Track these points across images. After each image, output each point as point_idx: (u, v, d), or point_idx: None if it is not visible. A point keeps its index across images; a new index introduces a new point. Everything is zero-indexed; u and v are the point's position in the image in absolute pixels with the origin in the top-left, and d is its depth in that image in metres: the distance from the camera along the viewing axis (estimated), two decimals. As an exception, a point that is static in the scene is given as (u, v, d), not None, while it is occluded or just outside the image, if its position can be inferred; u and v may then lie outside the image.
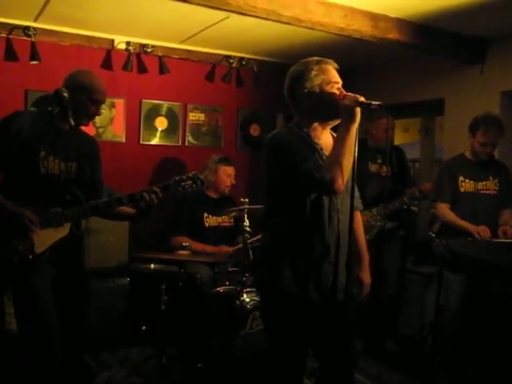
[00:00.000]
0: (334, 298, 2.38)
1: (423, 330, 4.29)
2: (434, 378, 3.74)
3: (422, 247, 4.54)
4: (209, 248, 4.23)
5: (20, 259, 2.69)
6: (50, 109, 2.80)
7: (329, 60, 2.45)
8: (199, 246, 4.20)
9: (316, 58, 2.44)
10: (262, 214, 2.59)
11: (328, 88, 2.36)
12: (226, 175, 4.40)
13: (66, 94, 2.67)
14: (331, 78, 2.39)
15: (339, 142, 2.22)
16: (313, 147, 2.38)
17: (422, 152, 5.43)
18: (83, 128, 3.02)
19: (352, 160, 2.20)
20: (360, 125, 2.28)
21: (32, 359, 2.82)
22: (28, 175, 2.77)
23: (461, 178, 3.83)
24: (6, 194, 2.72)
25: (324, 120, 2.43)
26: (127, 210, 3.03)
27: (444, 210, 3.86)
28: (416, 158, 5.93)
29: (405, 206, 4.44)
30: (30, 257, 2.70)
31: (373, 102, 2.22)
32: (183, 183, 3.02)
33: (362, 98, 2.23)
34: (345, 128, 2.22)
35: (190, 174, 3.06)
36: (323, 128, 2.45)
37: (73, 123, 2.63)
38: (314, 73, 2.40)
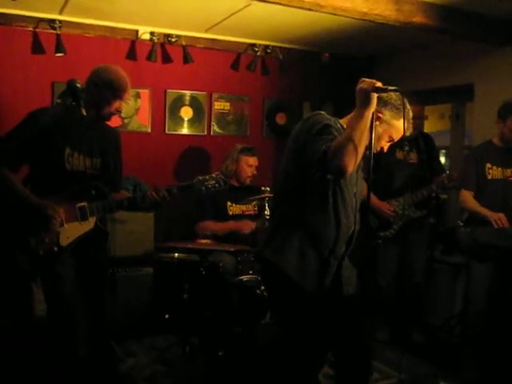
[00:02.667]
0: (339, 290, 2.40)
1: (451, 320, 4.22)
2: (462, 370, 3.67)
3: (451, 236, 4.45)
4: (230, 224, 4.23)
5: (45, 251, 2.77)
6: (59, 101, 2.86)
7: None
8: (220, 225, 4.21)
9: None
10: (276, 192, 2.58)
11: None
12: (248, 165, 4.37)
13: (78, 85, 2.70)
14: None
15: (352, 126, 2.17)
16: None
17: (452, 138, 5.30)
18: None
19: (364, 145, 2.15)
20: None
21: (60, 343, 2.90)
22: (54, 171, 2.85)
23: (488, 165, 3.74)
24: (33, 189, 2.82)
25: None
26: None
27: (466, 196, 3.79)
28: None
29: (433, 194, 4.35)
30: (55, 249, 2.79)
31: (389, 87, 2.19)
32: (206, 183, 3.13)
33: (378, 84, 2.19)
34: (359, 112, 2.18)
35: (213, 175, 3.18)
36: None
37: (85, 113, 2.67)
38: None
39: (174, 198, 3.08)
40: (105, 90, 2.86)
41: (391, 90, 2.20)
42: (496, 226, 3.51)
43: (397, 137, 2.44)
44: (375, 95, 2.18)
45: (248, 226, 4.21)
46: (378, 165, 3.98)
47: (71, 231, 2.83)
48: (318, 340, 2.42)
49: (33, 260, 2.82)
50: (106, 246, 3.18)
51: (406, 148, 4.27)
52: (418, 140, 4.29)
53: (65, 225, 2.81)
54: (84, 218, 2.86)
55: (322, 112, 2.42)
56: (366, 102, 2.17)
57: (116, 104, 2.90)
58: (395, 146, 4.19)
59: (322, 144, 2.18)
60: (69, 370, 2.92)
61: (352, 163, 2.12)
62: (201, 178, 3.11)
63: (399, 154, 4.26)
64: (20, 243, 2.79)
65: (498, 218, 3.53)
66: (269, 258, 2.43)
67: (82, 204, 2.86)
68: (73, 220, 2.84)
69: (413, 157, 4.27)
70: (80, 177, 2.91)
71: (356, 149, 2.12)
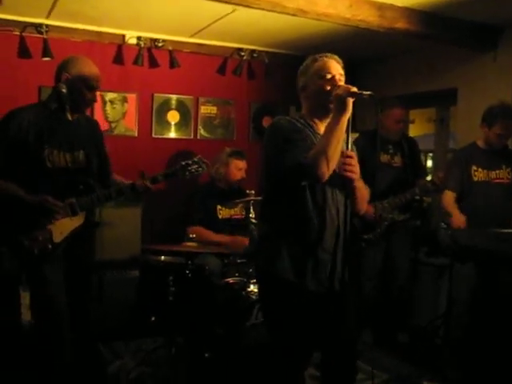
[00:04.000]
0: (332, 288, 2.41)
1: (435, 321, 4.27)
2: (445, 370, 3.72)
3: (434, 238, 4.51)
4: (225, 238, 4.24)
5: (40, 250, 2.78)
6: (47, 104, 2.86)
7: (328, 54, 2.47)
8: (215, 237, 4.22)
9: (318, 54, 2.47)
10: (260, 202, 2.62)
11: (318, 81, 2.39)
12: (237, 169, 4.42)
13: (64, 90, 2.72)
14: (324, 69, 2.40)
15: (328, 131, 2.23)
16: (315, 137, 2.39)
17: (436, 142, 5.36)
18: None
19: (340, 150, 2.21)
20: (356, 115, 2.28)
21: (46, 347, 2.91)
22: (37, 171, 2.85)
23: (474, 167, 3.79)
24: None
25: (317, 112, 2.44)
26: None
27: (446, 197, 3.84)
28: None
29: (417, 197, 4.40)
30: (50, 246, 2.80)
31: (364, 92, 2.22)
32: (189, 167, 3.15)
33: (354, 89, 2.23)
34: (335, 118, 2.23)
35: (195, 159, 3.18)
36: (321, 121, 2.45)
37: (70, 118, 2.69)
38: (308, 67, 2.47)
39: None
40: (78, 82, 2.85)
41: (366, 95, 2.22)
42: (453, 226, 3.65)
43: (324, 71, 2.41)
44: (351, 100, 2.22)
45: (241, 246, 4.16)
46: (363, 168, 4.06)
47: (63, 227, 2.86)
48: (310, 339, 2.45)
49: (22, 263, 2.84)
50: (94, 247, 3.21)
51: (391, 151, 4.32)
52: (401, 143, 4.34)
53: (56, 222, 2.83)
54: (74, 213, 2.89)
55: (282, 117, 2.46)
56: (342, 108, 2.21)
57: (89, 95, 2.90)
58: (380, 149, 4.26)
59: (295, 154, 2.23)
60: (56, 374, 2.93)
61: (329, 170, 2.19)
62: (183, 163, 3.13)
63: (383, 158, 4.29)
64: (12, 244, 2.80)
65: (457, 219, 3.68)
66: (263, 267, 2.47)
67: (71, 200, 2.88)
68: (63, 216, 2.86)
69: (397, 160, 4.32)
70: (64, 173, 2.92)
71: (333, 156, 2.18)
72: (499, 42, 4.31)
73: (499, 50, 4.32)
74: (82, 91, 2.87)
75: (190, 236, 3.95)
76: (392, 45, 4.85)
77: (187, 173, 3.14)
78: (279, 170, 2.33)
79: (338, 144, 2.19)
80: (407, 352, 4.14)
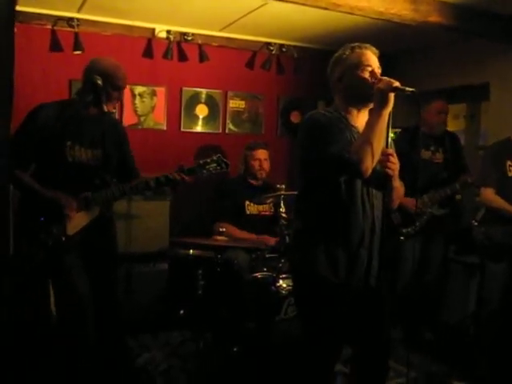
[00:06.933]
0: (367, 284, 2.38)
1: (465, 320, 4.21)
2: (474, 369, 3.67)
3: (466, 236, 4.44)
4: (251, 236, 4.23)
5: (54, 241, 2.85)
6: (81, 96, 2.90)
7: (366, 45, 2.43)
8: (242, 234, 4.22)
9: (354, 44, 2.44)
10: (295, 198, 2.60)
11: (358, 72, 2.35)
12: (254, 159, 4.39)
13: (100, 82, 2.74)
14: (363, 61, 2.36)
15: (370, 126, 2.21)
16: (349, 129, 2.37)
17: (466, 139, 5.28)
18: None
19: (382, 144, 2.18)
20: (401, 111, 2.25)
21: (69, 335, 2.95)
22: (57, 164, 2.92)
23: (509, 163, 3.70)
24: (39, 182, 2.90)
25: (355, 103, 2.41)
26: None
27: (490, 195, 3.70)
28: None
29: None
30: (63, 239, 2.86)
31: (407, 88, 2.19)
32: (208, 166, 3.10)
33: (396, 83, 2.21)
34: (377, 112, 2.21)
35: (214, 157, 3.13)
36: (358, 111, 2.42)
37: (106, 110, 2.71)
38: (345, 57, 2.43)
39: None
40: (102, 81, 2.87)
41: (409, 91, 2.20)
42: None
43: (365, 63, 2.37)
44: (392, 95, 2.20)
45: (268, 244, 4.14)
46: (402, 164, 4.00)
47: (77, 220, 2.91)
48: (344, 335, 2.44)
49: (43, 251, 2.88)
50: (114, 233, 3.21)
51: (432, 148, 4.28)
52: (444, 139, 4.29)
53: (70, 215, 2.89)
54: (88, 207, 2.94)
55: (316, 111, 2.43)
56: (384, 102, 2.19)
57: (115, 94, 2.93)
58: (422, 145, 4.19)
59: (337, 148, 2.21)
60: (82, 363, 2.96)
61: (372, 164, 2.17)
62: (201, 161, 3.09)
63: (425, 154, 4.25)
64: (30, 236, 2.86)
65: None
66: (299, 264, 2.45)
67: (86, 194, 2.93)
68: (78, 210, 2.92)
69: (438, 157, 4.28)
70: (83, 168, 2.97)
71: (377, 150, 2.16)
72: (533, 35, 4.21)
73: (533, 44, 4.23)
74: (107, 90, 2.88)
75: (220, 230, 3.94)
76: (422, 39, 4.79)
77: (205, 171, 3.09)
78: (318, 165, 2.31)
79: (380, 138, 2.17)
80: (435, 350, 4.09)
